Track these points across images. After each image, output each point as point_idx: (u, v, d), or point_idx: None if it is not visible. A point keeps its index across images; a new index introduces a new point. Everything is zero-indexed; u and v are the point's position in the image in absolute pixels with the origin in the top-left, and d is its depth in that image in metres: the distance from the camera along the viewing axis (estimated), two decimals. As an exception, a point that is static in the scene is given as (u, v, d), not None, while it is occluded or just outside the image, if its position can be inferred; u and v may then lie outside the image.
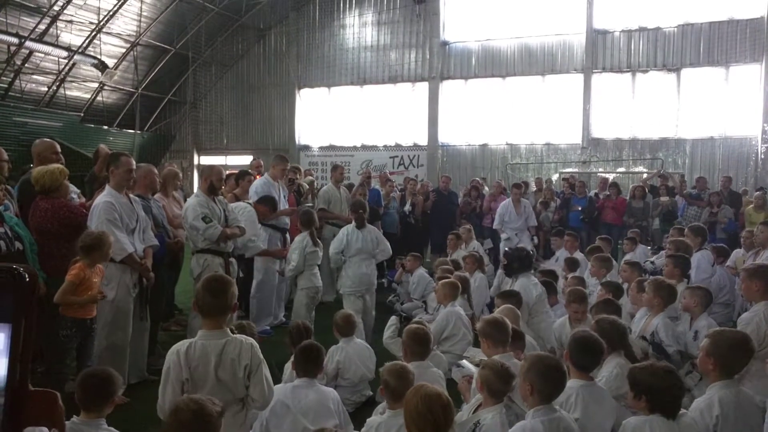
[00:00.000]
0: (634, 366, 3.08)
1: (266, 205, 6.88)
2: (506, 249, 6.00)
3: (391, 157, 19.30)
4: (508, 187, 14.86)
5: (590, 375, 3.39)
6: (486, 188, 13.11)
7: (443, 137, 18.85)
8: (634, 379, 2.92)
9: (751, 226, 8.25)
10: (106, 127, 19.17)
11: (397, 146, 19.41)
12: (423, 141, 19.04)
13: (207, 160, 20.99)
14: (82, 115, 18.47)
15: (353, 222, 6.35)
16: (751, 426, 3.11)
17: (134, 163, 4.98)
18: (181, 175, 6.94)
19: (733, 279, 6.80)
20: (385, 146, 19.51)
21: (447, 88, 18.82)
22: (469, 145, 18.72)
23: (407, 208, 10.89)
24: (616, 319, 4.01)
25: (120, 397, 4.44)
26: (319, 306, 7.59)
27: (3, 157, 5.06)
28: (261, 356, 3.05)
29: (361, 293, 6.28)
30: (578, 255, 7.99)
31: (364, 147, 19.66)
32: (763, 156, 15.58)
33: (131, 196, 5.04)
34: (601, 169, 16.78)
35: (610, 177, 14.56)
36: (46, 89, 17.34)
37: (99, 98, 19.10)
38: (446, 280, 5.52)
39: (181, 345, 2.97)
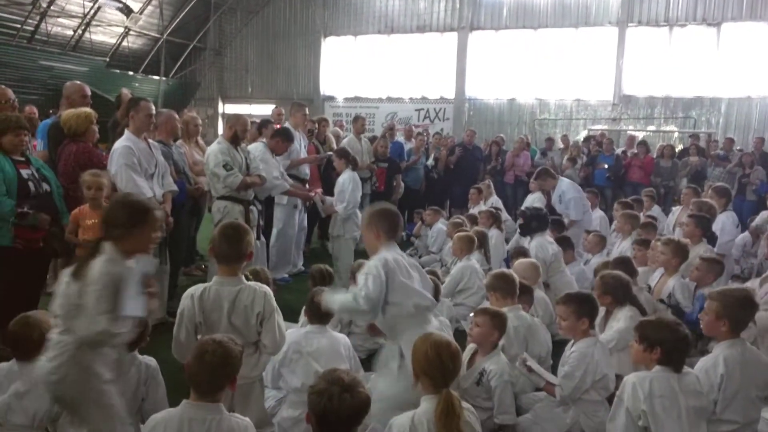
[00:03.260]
0: (644, 320, 3.08)
1: (279, 136, 6.67)
2: (522, 208, 5.94)
3: (416, 110, 19.06)
4: (535, 143, 14.67)
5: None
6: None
7: (470, 91, 18.50)
8: (644, 332, 2.93)
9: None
10: (131, 73, 19.20)
11: (423, 99, 19.14)
12: (450, 94, 18.72)
13: (231, 108, 20.97)
14: (107, 60, 18.50)
15: (349, 167, 6.53)
16: (757, 384, 3.11)
17: (153, 108, 4.99)
18: (199, 120, 6.92)
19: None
20: (410, 99, 19.25)
21: (476, 39, 18.34)
22: (497, 99, 18.37)
23: (430, 162, 10.82)
24: (619, 273, 4.04)
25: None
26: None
27: (8, 95, 5.10)
28: (274, 304, 3.10)
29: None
30: (598, 213, 7.91)
31: (389, 99, 19.42)
32: (801, 116, 15.05)
33: (150, 141, 5.07)
34: (631, 127, 16.38)
35: (640, 135, 14.22)
36: (72, 33, 17.34)
37: (124, 43, 19.07)
38: (462, 233, 5.51)
39: (196, 289, 3.04)
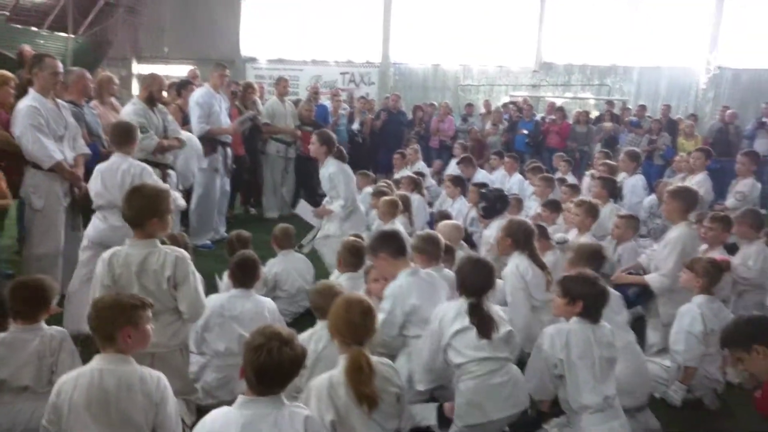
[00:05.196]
0: (566, 275, 3.24)
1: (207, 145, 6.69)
2: (483, 191, 5.94)
3: (341, 74, 18.80)
4: (458, 109, 14.86)
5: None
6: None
7: (396, 56, 18.45)
8: (566, 286, 3.10)
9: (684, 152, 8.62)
10: (35, 29, 17.82)
11: (349, 62, 18.90)
12: (375, 59, 18.58)
13: (146, 69, 19.90)
14: (7, 14, 17.09)
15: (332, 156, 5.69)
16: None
17: (60, 65, 4.69)
18: (116, 80, 6.58)
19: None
20: (336, 62, 18.97)
21: (401, 2, 18.21)
22: (422, 64, 18.41)
23: (356, 126, 10.77)
24: (527, 222, 4.27)
25: (54, 307, 4.41)
26: (261, 222, 7.65)
27: None
28: (190, 269, 3.04)
29: None
30: (517, 177, 8.19)
31: (314, 62, 19.05)
32: (704, 86, 15.99)
33: (59, 101, 4.77)
34: (550, 94, 16.89)
35: (558, 102, 14.69)
36: (-35, -17, 15.90)
37: (26, -4, 17.65)
38: (387, 197, 5.57)
39: (107, 252, 3.02)
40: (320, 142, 5.62)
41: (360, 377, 2.41)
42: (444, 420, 3.24)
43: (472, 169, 8.05)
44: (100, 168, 4.38)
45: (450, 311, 3.07)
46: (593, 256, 3.74)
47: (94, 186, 4.30)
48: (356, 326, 2.52)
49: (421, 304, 3.37)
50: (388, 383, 2.57)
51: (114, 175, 4.25)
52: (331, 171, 5.52)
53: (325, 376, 2.53)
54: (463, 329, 2.98)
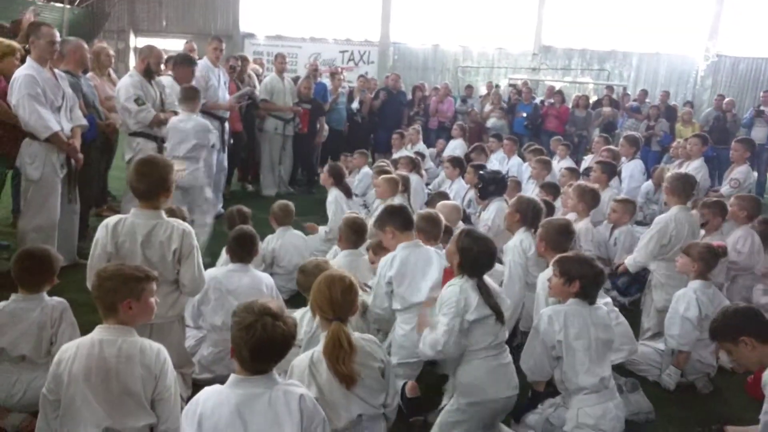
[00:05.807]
0: (563, 255, 3.23)
1: (184, 65, 6.33)
2: (481, 172, 5.92)
3: (340, 52, 18.65)
4: (457, 91, 14.78)
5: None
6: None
7: (395, 35, 18.29)
8: (563, 267, 3.09)
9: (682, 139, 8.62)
10: (31, -1, 17.55)
11: (348, 41, 18.74)
12: (375, 38, 18.43)
13: (144, 42, 19.65)
14: (3, -17, 16.80)
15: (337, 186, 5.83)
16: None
17: (57, 34, 4.61)
18: (111, 51, 6.48)
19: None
20: (335, 40, 18.79)
21: (401, -20, 18.05)
22: (422, 45, 18.28)
23: (355, 105, 10.68)
24: (535, 199, 4.28)
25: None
26: (258, 199, 7.63)
27: None
28: (195, 243, 3.03)
29: None
30: (516, 160, 8.17)
31: (312, 39, 18.87)
32: (702, 74, 15.95)
33: (57, 71, 4.70)
34: (549, 77, 16.82)
35: (558, 85, 14.64)
36: (-40, -50, 15.58)
37: (21, -36, 17.34)
38: (386, 176, 5.55)
39: (111, 219, 2.99)
40: (329, 173, 5.88)
41: (338, 354, 2.39)
42: (405, 398, 3.24)
43: (485, 156, 7.78)
44: (169, 124, 5.44)
45: (470, 297, 2.89)
46: (560, 230, 3.71)
47: (169, 141, 5.43)
48: (335, 302, 2.50)
49: (398, 277, 3.42)
50: (370, 358, 2.56)
51: (188, 132, 5.45)
52: (329, 199, 5.78)
53: (307, 354, 2.53)
54: (483, 318, 2.88)
